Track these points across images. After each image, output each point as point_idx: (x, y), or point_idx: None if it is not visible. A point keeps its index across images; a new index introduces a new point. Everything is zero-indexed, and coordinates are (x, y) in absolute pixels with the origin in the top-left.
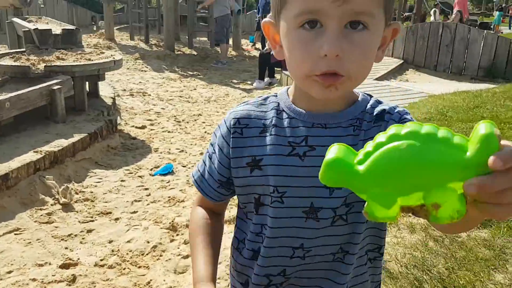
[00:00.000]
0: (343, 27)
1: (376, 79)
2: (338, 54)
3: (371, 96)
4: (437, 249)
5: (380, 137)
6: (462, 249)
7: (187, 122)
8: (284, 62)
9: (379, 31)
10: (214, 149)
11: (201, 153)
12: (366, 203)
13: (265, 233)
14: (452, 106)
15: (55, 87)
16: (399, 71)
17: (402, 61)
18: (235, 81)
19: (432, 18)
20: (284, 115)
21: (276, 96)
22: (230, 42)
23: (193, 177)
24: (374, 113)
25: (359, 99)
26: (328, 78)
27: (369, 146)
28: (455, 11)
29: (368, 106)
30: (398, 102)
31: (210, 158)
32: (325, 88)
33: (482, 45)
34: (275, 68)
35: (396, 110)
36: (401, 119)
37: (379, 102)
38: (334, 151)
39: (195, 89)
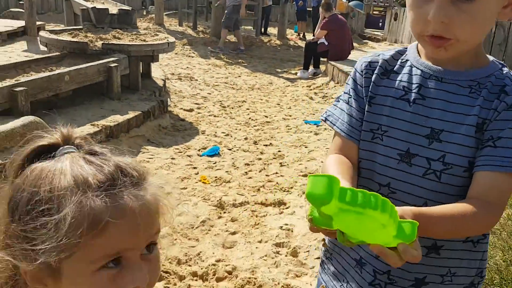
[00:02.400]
0: None
1: None
2: (442, 21)
3: (502, 65)
4: (494, 241)
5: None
6: None
7: (232, 108)
8: (330, 52)
9: None
10: (350, 94)
11: (246, 138)
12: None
13: (360, 165)
14: None
15: (112, 65)
16: None
17: None
18: (279, 70)
19: None
20: (408, 63)
21: (406, 48)
22: (272, 31)
23: (325, 116)
24: (499, 84)
25: (488, 65)
26: (435, 40)
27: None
28: None
29: (494, 75)
30: None
31: (346, 102)
32: (435, 48)
33: None
34: (321, 59)
35: None
36: None
37: (507, 74)
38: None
39: (239, 76)
